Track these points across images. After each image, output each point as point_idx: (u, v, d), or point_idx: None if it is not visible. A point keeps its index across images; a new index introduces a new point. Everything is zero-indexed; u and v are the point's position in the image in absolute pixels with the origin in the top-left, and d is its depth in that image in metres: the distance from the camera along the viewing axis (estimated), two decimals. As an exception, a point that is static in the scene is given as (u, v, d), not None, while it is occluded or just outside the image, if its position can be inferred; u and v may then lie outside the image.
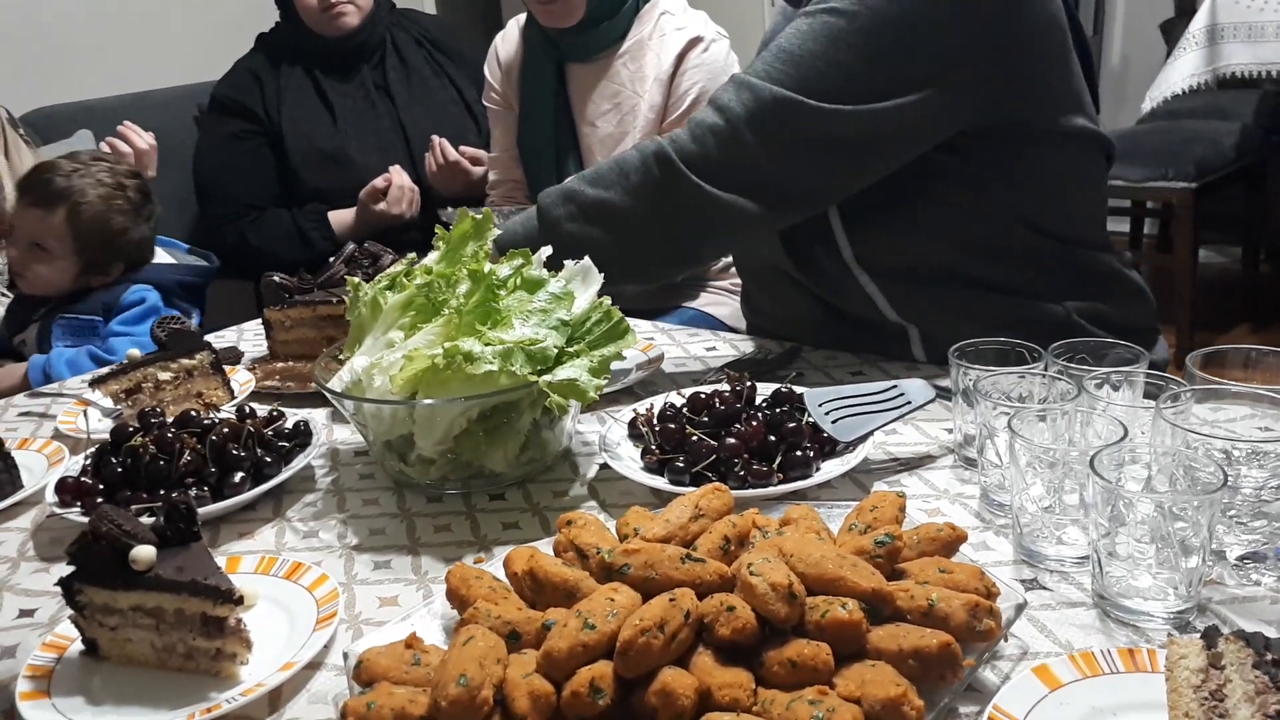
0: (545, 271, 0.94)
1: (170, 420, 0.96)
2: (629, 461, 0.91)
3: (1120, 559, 0.68)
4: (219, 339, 1.47)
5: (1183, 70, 2.48)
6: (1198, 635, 0.59)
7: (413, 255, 1.00)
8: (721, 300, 1.75)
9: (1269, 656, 0.56)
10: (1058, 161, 1.10)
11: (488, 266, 0.93)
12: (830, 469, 0.88)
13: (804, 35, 1.02)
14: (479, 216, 0.97)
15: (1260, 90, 2.81)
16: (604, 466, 0.93)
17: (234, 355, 1.33)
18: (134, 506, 0.85)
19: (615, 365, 0.92)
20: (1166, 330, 2.77)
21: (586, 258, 0.97)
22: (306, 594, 0.75)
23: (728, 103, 1.04)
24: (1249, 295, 3.29)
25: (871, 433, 0.91)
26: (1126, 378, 0.85)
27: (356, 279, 0.99)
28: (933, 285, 1.12)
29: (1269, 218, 3.21)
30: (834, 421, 0.91)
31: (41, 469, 0.99)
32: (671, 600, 0.59)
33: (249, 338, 1.46)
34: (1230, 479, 0.69)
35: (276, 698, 0.67)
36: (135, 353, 1.13)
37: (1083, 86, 1.11)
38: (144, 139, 1.72)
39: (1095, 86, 1.16)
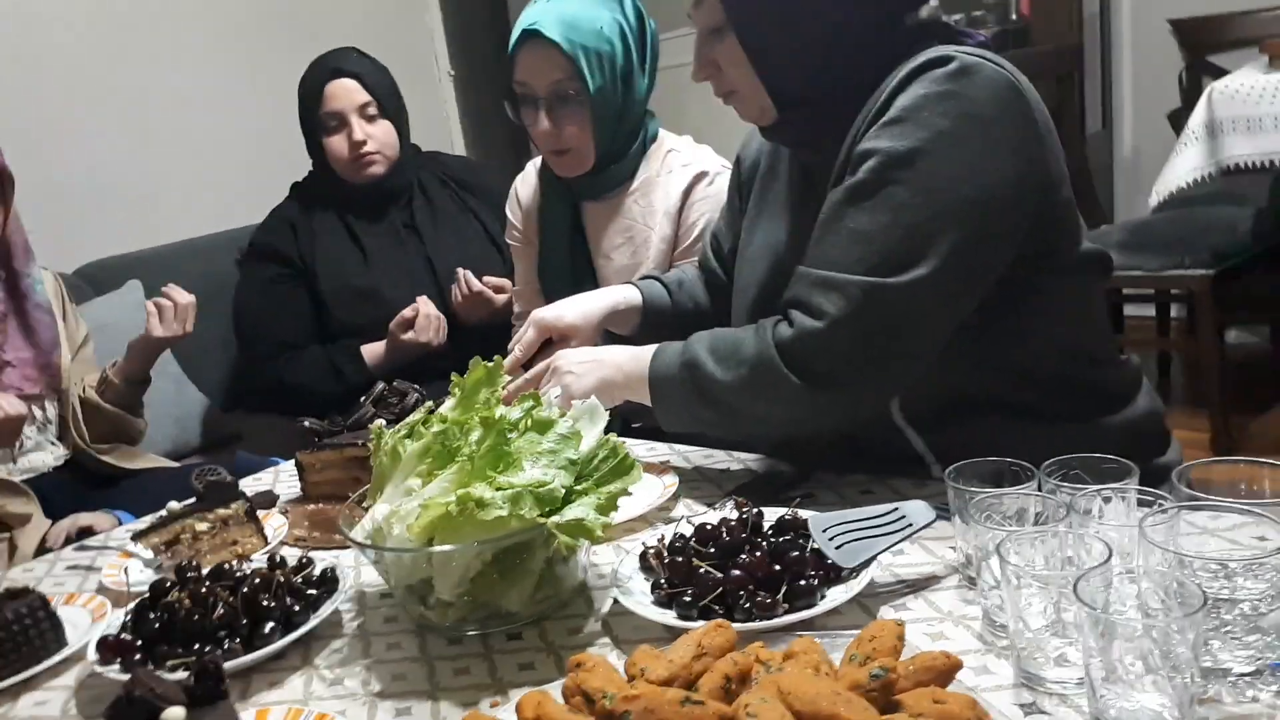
0: (555, 411, 0.99)
1: (205, 573, 1.00)
2: (640, 596, 0.94)
3: (1112, 681, 0.69)
4: (257, 481, 1.53)
5: (1186, 164, 2.52)
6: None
7: (430, 404, 1.05)
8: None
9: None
10: (1077, 283, 1.15)
11: (499, 411, 0.98)
12: (836, 596, 0.90)
13: (867, 210, 1.04)
14: (490, 365, 1.03)
15: (1272, 174, 2.84)
16: (617, 601, 0.96)
17: (268, 499, 1.39)
18: (170, 662, 0.89)
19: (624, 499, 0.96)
20: (1200, 414, 2.75)
21: (594, 397, 1.02)
22: (330, 745, 0.78)
23: (819, 304, 1.04)
24: (1281, 374, 3.28)
25: (874, 557, 0.93)
26: (1118, 493, 0.87)
27: (381, 424, 1.05)
28: (967, 416, 1.14)
29: (1294, 297, 3.21)
30: (837, 547, 0.93)
31: (86, 624, 1.04)
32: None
33: (284, 479, 1.52)
34: (1212, 598, 0.71)
35: None
36: (174, 505, 1.20)
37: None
38: (184, 296, 1.86)
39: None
